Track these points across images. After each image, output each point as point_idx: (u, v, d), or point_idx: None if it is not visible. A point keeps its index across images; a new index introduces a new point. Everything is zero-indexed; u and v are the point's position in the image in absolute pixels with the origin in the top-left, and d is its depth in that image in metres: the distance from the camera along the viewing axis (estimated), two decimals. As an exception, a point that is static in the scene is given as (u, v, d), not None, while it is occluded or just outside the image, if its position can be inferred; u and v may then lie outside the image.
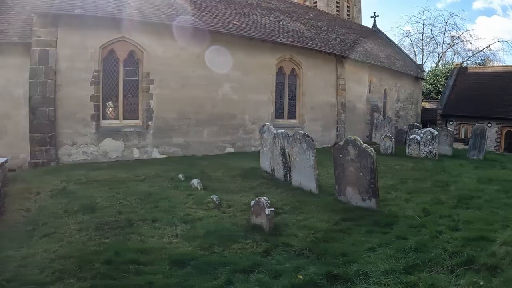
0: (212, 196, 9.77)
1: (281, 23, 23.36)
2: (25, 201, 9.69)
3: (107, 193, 10.20)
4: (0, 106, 14.62)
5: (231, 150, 18.72)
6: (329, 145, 21.81)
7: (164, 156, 16.39)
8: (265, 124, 13.70)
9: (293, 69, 21.91)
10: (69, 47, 14.83)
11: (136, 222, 8.18)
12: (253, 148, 19.19)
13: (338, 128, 24.54)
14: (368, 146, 9.45)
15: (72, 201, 9.44)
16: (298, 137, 11.23)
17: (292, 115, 22.23)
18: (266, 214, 7.63)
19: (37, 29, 14.40)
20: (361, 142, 9.55)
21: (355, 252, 6.62)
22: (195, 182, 11.19)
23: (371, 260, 6.28)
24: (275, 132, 12.74)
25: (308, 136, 11.06)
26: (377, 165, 9.33)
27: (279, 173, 12.35)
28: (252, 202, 8.05)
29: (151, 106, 16.32)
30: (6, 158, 12.18)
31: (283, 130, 12.62)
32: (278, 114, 21.40)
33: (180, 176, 12.13)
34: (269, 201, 7.84)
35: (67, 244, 7.06)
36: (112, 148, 15.58)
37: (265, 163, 13.49)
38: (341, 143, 10.08)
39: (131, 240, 7.27)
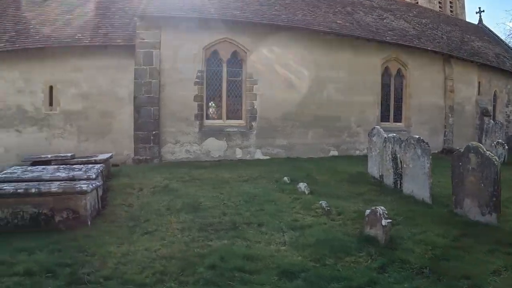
0: (320, 202, 9.02)
1: (385, 21, 22.22)
2: (128, 196, 9.60)
3: (210, 193, 9.83)
4: (106, 105, 15.38)
5: (335, 153, 17.89)
6: (437, 151, 20.43)
7: (267, 157, 15.92)
8: (374, 127, 12.83)
9: (399, 70, 20.57)
10: (172, 48, 15.01)
11: (241, 225, 7.73)
12: (357, 152, 18.24)
13: (446, 133, 22.69)
14: (492, 154, 8.40)
15: (175, 199, 9.20)
16: (412, 141, 10.29)
17: (397, 118, 20.89)
18: (382, 226, 6.83)
19: (140, 32, 14.74)
20: (484, 150, 8.48)
21: (479, 275, 5.73)
22: (302, 185, 10.50)
23: (498, 285, 5.46)
24: (385, 136, 11.83)
25: (423, 141, 10.06)
26: (500, 176, 8.23)
27: (389, 180, 11.44)
28: (367, 211, 7.29)
29: (255, 107, 15.96)
30: (110, 154, 12.39)
31: (394, 134, 11.70)
32: (383, 116, 20.17)
33: (285, 178, 11.48)
34: (386, 211, 7.04)
35: (169, 244, 6.77)
36: (215, 147, 15.44)
37: (373, 168, 12.60)
38: (461, 150, 9.03)
39: (236, 244, 6.82)
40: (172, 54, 14.94)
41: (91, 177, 8.65)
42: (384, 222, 6.82)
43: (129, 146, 14.89)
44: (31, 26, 16.28)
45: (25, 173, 9.52)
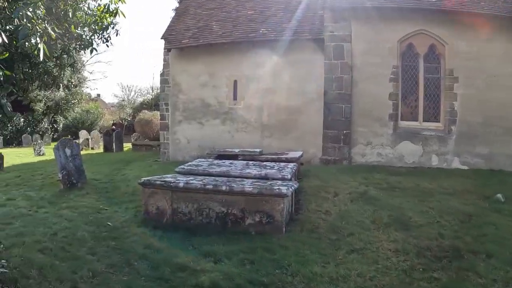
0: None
1: None
2: (323, 202, 8.56)
3: (416, 206, 8.33)
4: (291, 101, 14.80)
5: (540, 167, 15.19)
6: None
7: (465, 167, 13.72)
8: None
9: None
10: (364, 41, 13.77)
11: (466, 254, 6.21)
12: None
13: None
14: None
15: (379, 210, 7.93)
16: None
17: None
18: None
19: (329, 24, 13.84)
20: None
21: None
22: (525, 209, 8.54)
23: None
24: None
25: None
26: None
27: None
28: None
29: (455, 108, 13.89)
30: (301, 153, 11.62)
31: None
32: None
33: (499, 196, 9.49)
34: None
35: (385, 270, 5.60)
36: (409, 152, 13.73)
37: None
38: None
39: (468, 280, 5.42)
40: (364, 48, 13.72)
41: (286, 177, 7.77)
42: None
43: (314, 145, 14.12)
44: (213, 23, 16.48)
45: (212, 166, 8.99)
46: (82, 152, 24.51)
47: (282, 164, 9.30)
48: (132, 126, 36.44)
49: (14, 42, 4.42)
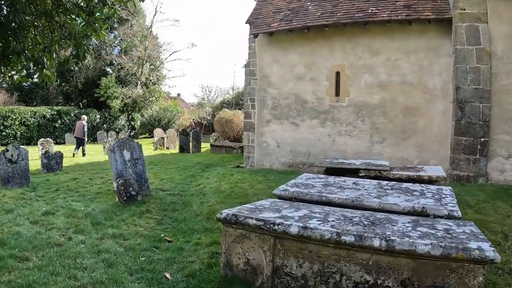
0: None
1: None
2: (500, 251, 5.30)
3: None
4: (410, 98, 12.14)
5: None
6: None
7: None
8: None
9: None
10: (505, 22, 10.61)
11: None
12: None
13: None
14: None
15: None
16: None
17: None
18: None
19: (459, 0, 10.84)
20: None
21: None
22: None
23: None
24: None
25: None
26: None
27: None
28: None
29: None
30: (440, 167, 8.35)
31: None
32: None
33: None
34: None
35: None
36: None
37: None
38: None
39: None
40: (505, 30, 10.58)
41: (454, 213, 4.65)
42: None
43: (437, 155, 11.65)
44: (308, 3, 13.96)
45: (330, 189, 6.00)
46: (156, 152, 22.94)
47: (433, 187, 6.12)
48: (211, 125, 35.04)
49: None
